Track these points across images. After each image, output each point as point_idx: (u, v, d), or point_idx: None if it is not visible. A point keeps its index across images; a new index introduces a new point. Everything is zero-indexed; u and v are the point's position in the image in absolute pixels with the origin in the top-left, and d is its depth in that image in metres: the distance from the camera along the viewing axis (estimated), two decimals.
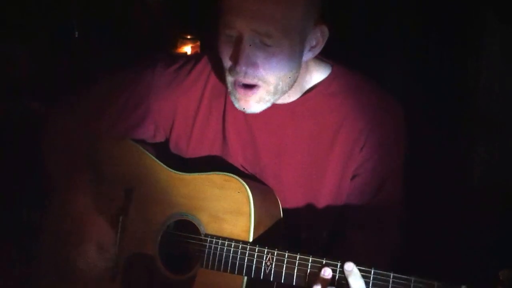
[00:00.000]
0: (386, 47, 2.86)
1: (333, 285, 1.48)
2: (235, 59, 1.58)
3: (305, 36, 1.60)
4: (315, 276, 1.51)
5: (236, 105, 1.65)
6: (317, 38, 1.63)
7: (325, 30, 1.63)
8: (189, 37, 3.33)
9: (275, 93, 1.63)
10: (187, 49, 3.29)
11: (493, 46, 2.60)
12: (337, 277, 1.50)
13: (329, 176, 1.70)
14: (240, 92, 1.62)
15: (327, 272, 1.49)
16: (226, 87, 1.66)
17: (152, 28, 3.25)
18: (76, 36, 3.07)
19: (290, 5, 1.55)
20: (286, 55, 1.59)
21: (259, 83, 1.61)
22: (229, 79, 1.63)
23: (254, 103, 1.63)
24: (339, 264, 1.50)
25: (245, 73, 1.59)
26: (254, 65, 1.58)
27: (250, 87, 1.61)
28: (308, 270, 1.53)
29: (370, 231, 1.69)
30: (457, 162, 2.57)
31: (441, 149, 2.56)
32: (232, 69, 1.60)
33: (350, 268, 1.48)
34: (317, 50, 1.65)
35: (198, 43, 3.35)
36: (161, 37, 3.25)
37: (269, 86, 1.61)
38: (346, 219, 1.72)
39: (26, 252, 1.87)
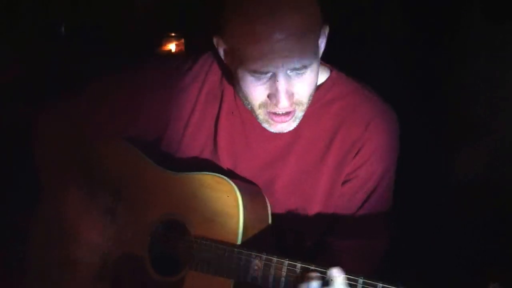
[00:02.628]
0: (370, 48, 2.85)
1: None
2: (274, 98, 1.55)
3: (318, 42, 1.60)
4: (303, 283, 1.48)
5: (273, 130, 1.64)
6: (322, 38, 1.62)
7: (327, 28, 1.63)
8: (173, 34, 3.31)
9: (306, 108, 1.62)
10: (172, 46, 3.27)
11: (480, 46, 2.57)
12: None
13: (322, 182, 1.70)
14: (277, 120, 1.61)
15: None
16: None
17: (137, 26, 3.23)
18: (63, 33, 3.06)
19: (313, 31, 1.53)
20: (316, 73, 1.59)
21: (295, 107, 1.60)
22: (261, 111, 1.61)
23: (292, 123, 1.63)
24: (328, 271, 1.47)
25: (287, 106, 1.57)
26: (291, 95, 1.57)
27: (286, 113, 1.60)
28: (297, 276, 1.51)
29: (357, 238, 1.69)
30: (444, 163, 2.55)
31: (427, 151, 2.55)
32: (266, 105, 1.59)
33: (338, 274, 1.46)
34: (322, 49, 1.64)
35: (182, 40, 3.33)
36: (146, 35, 3.23)
37: (303, 106, 1.61)
38: (333, 226, 1.71)
39: (16, 252, 1.85)
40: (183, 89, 1.74)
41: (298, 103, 1.59)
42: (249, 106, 1.62)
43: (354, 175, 1.69)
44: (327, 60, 1.71)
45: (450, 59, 2.61)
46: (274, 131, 1.64)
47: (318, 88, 1.70)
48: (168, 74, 1.75)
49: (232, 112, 1.72)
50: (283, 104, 1.55)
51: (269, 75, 1.54)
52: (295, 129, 1.67)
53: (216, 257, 1.59)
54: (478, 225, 2.24)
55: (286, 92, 1.55)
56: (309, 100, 1.61)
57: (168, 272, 1.66)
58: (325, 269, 1.48)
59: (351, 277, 1.45)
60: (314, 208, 1.72)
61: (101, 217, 1.72)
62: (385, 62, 2.76)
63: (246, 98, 1.61)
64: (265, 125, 1.64)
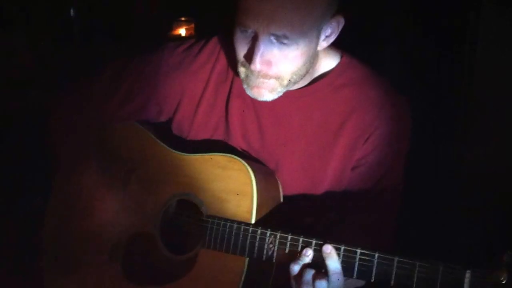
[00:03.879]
0: (378, 40, 2.87)
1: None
2: (250, 58, 1.56)
3: (321, 29, 1.58)
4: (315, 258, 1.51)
5: (249, 93, 1.64)
6: (333, 28, 1.61)
7: (341, 20, 1.61)
8: (183, 19, 3.31)
9: (287, 84, 1.62)
10: (182, 31, 3.28)
11: (489, 37, 2.61)
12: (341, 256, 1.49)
13: (331, 167, 1.70)
14: (253, 83, 1.61)
15: (308, 252, 1.50)
16: (236, 73, 1.65)
17: (148, 10, 3.23)
18: (73, 19, 3.05)
19: (308, 7, 1.52)
20: (301, 52, 1.57)
21: (273, 78, 1.59)
22: (242, 70, 1.61)
23: (267, 93, 1.62)
24: (343, 247, 1.49)
25: (259, 71, 1.57)
26: (268, 63, 1.56)
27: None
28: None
29: (367, 214, 1.69)
30: (452, 156, 2.59)
31: (435, 144, 2.58)
32: (245, 65, 1.59)
33: (329, 250, 1.48)
34: (332, 39, 1.63)
35: (193, 25, 3.34)
36: (157, 20, 3.23)
37: (283, 80, 1.60)
38: (343, 207, 1.71)
39: (33, 233, 1.85)
40: (195, 70, 1.74)
41: (277, 77, 1.59)
42: (236, 64, 1.62)
43: (364, 161, 1.68)
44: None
45: (461, 50, 2.64)
46: (251, 96, 1.63)
47: (328, 73, 1.70)
48: (180, 55, 1.76)
49: (244, 98, 1.71)
50: (255, 65, 1.55)
51: (251, 32, 1.54)
52: (305, 111, 1.67)
53: (230, 235, 1.59)
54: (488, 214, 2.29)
55: (261, 55, 1.54)
56: (291, 79, 1.60)
57: (180, 251, 1.67)
58: (340, 246, 1.49)
59: (367, 252, 1.46)
60: (322, 191, 1.71)
61: (114, 198, 1.73)
62: (394, 55, 2.79)
63: (235, 56, 1.61)
64: (246, 89, 1.63)
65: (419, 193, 2.24)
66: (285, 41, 1.53)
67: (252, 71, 1.58)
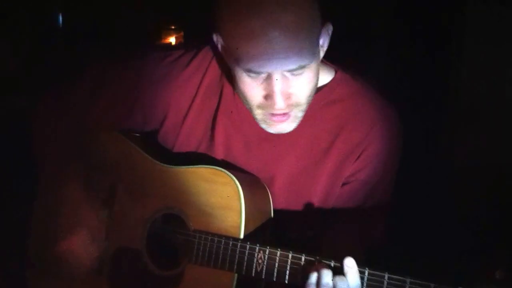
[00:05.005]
0: (366, 39, 2.85)
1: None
2: (271, 99, 1.51)
3: (319, 42, 1.55)
4: (308, 275, 1.47)
5: (271, 130, 1.60)
6: (325, 37, 1.57)
7: (330, 26, 1.57)
8: (172, 27, 3.28)
9: (306, 108, 1.58)
10: (172, 39, 3.24)
11: (478, 33, 2.60)
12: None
13: (320, 184, 1.67)
14: (275, 120, 1.56)
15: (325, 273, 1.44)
16: (252, 115, 1.59)
17: (137, 18, 3.19)
18: (60, 26, 3.00)
19: (312, 28, 1.47)
20: (314, 72, 1.54)
21: (293, 108, 1.55)
22: (259, 112, 1.56)
23: (290, 124, 1.58)
24: (332, 263, 1.47)
25: (284, 108, 1.53)
26: (288, 96, 1.52)
27: (284, 114, 1.56)
28: (301, 268, 1.49)
29: (354, 224, 1.67)
30: (443, 154, 2.58)
31: (426, 143, 2.57)
32: (264, 107, 1.54)
33: (351, 263, 1.43)
34: (325, 47, 1.60)
35: (182, 33, 3.30)
36: (145, 28, 3.19)
37: (302, 106, 1.56)
38: (331, 220, 1.69)
39: (15, 245, 1.82)
40: (182, 82, 1.70)
41: (296, 104, 1.54)
42: (248, 106, 1.58)
43: (354, 178, 1.66)
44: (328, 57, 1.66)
45: (451, 46, 2.63)
46: (273, 132, 1.60)
47: (321, 88, 1.66)
48: (167, 66, 1.71)
49: (231, 111, 1.68)
50: (279, 105, 1.50)
51: (264, 75, 1.49)
52: (295, 129, 1.62)
53: (218, 250, 1.56)
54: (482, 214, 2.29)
55: (282, 94, 1.50)
56: (308, 101, 1.57)
57: (166, 266, 1.64)
58: (330, 262, 1.47)
59: (359, 269, 1.43)
60: (310, 206, 1.69)
61: (98, 211, 1.70)
62: (385, 50, 2.77)
63: (245, 98, 1.57)
64: (263, 126, 1.59)
65: (411, 194, 2.23)
66: (300, 71, 1.49)
67: (275, 110, 1.53)
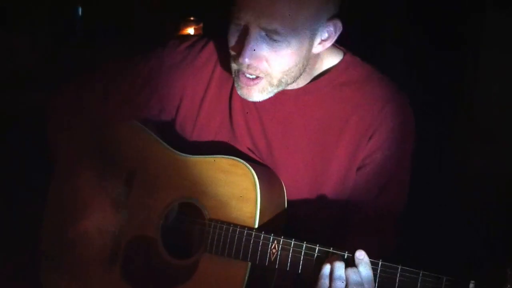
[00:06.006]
0: (380, 41, 2.86)
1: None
2: (239, 51, 1.56)
3: (316, 31, 1.57)
4: (321, 266, 1.49)
5: (239, 92, 1.63)
6: (330, 32, 1.59)
7: (339, 24, 1.60)
8: (192, 18, 3.29)
9: (278, 85, 1.61)
10: (190, 30, 3.26)
11: (492, 38, 2.60)
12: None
13: (335, 167, 1.67)
14: (243, 81, 1.60)
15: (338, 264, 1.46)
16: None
17: (156, 10, 3.21)
18: (79, 19, 3.03)
19: (300, 4, 1.51)
20: (292, 51, 1.56)
21: (262, 75, 1.58)
22: (233, 66, 1.61)
23: (256, 93, 1.61)
24: (346, 253, 1.49)
25: (248, 65, 1.56)
26: (257, 58, 1.56)
27: (251, 78, 1.59)
28: (314, 259, 1.51)
29: (369, 236, 1.65)
30: (455, 158, 2.58)
31: (438, 149, 2.58)
32: (236, 59, 1.58)
33: (362, 256, 1.46)
34: (328, 44, 1.62)
35: (201, 24, 3.32)
36: (165, 20, 3.21)
37: (272, 79, 1.59)
38: (347, 220, 1.69)
39: (30, 235, 1.84)
40: (196, 69, 1.73)
41: (266, 73, 1.58)
42: (231, 65, 1.62)
43: (370, 160, 1.66)
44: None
45: (462, 52, 2.64)
46: (242, 96, 1.63)
47: (330, 70, 1.68)
48: (182, 53, 1.74)
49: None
50: (243, 58, 1.54)
51: (242, 25, 1.54)
52: (306, 111, 1.66)
53: (232, 240, 1.58)
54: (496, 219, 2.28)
55: (251, 49, 1.54)
56: (283, 79, 1.59)
57: (181, 255, 1.66)
58: (344, 252, 1.49)
59: (370, 260, 1.46)
60: (326, 192, 1.69)
61: (114, 200, 1.71)
62: (397, 54, 2.77)
63: (228, 50, 1.61)
64: (237, 88, 1.63)
65: (421, 194, 2.23)
66: (276, 37, 1.52)
67: (241, 65, 1.57)
